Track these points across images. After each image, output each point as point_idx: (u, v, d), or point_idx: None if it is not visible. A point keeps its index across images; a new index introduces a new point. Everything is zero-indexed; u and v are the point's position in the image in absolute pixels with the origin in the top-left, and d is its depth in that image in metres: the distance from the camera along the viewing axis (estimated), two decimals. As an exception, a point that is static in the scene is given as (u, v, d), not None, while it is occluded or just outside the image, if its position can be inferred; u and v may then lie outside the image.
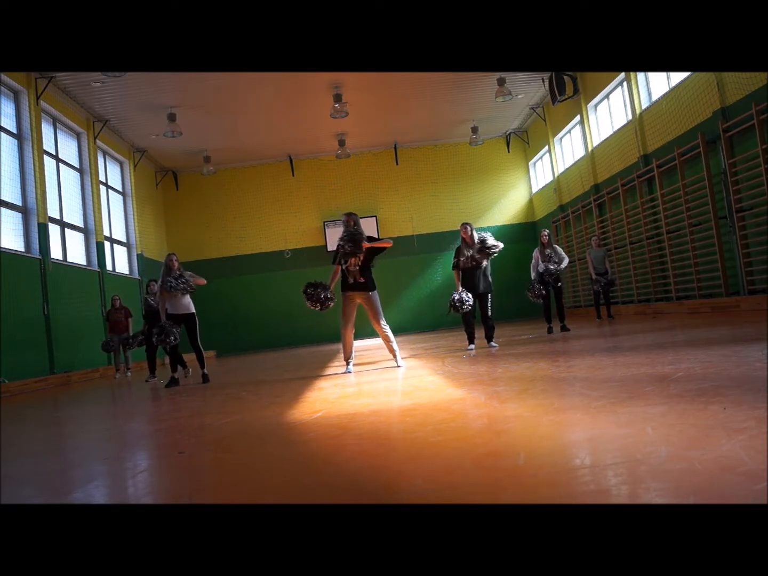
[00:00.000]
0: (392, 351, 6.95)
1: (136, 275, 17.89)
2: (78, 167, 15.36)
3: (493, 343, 8.30)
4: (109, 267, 15.90)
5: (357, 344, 16.09)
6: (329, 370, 7.62)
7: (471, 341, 8.37)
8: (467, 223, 8.50)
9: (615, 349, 6.27)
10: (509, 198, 21.93)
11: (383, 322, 6.84)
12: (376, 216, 21.08)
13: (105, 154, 17.11)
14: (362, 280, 6.74)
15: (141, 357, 15.32)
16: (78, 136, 15.60)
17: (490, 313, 8.38)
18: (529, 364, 5.59)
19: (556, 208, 19.32)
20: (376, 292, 6.86)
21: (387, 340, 6.90)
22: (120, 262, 17.30)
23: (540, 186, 21.29)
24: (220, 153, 19.85)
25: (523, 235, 21.32)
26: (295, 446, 3.07)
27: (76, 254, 14.66)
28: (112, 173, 17.60)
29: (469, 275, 8.31)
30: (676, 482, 1.73)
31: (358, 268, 6.73)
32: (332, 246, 20.82)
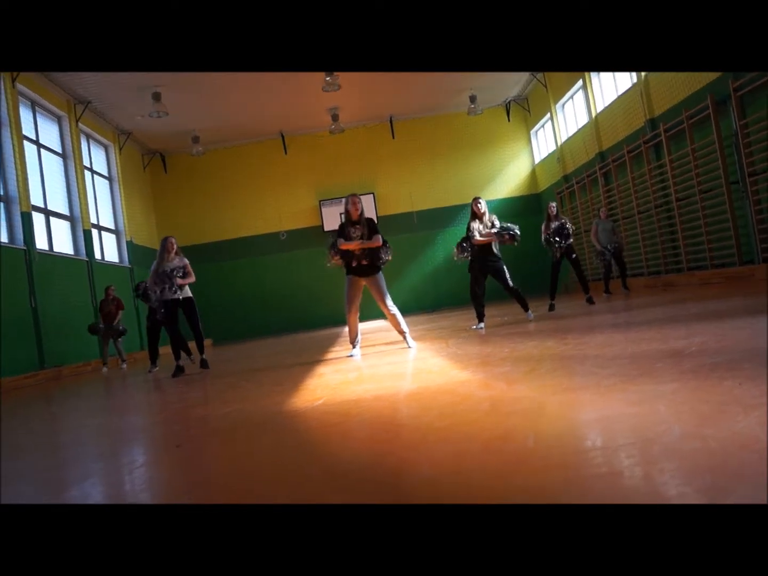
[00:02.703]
0: (401, 332, 6.96)
1: (127, 263, 17.89)
2: (60, 152, 15.31)
3: (530, 314, 8.40)
4: (97, 255, 15.91)
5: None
6: (330, 355, 7.64)
7: (480, 320, 8.41)
8: (479, 198, 8.65)
9: (625, 324, 6.28)
10: (511, 169, 21.87)
11: (390, 303, 6.85)
12: (373, 193, 21.04)
13: (88, 137, 17.04)
14: (365, 262, 6.75)
15: (134, 348, 15.35)
16: (59, 120, 15.52)
17: (511, 283, 8.37)
18: (536, 342, 5.60)
19: (560, 179, 19.27)
20: (381, 273, 6.87)
21: (395, 321, 6.91)
22: (109, 250, 17.30)
23: (543, 156, 21.23)
24: (209, 132, 19.76)
25: (526, 207, 21.28)
26: (296, 435, 3.09)
27: (63, 243, 14.66)
28: (96, 157, 17.55)
29: (476, 250, 8.36)
30: (690, 461, 1.74)
31: (363, 250, 6.75)
32: (329, 226, 20.82)
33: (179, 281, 7.70)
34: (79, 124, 15.92)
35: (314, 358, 7.67)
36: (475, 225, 8.35)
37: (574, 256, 10.13)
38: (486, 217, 8.41)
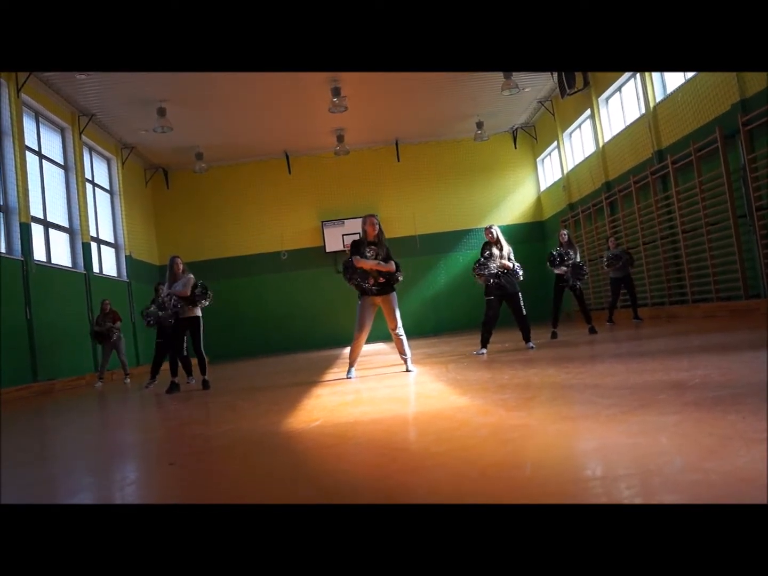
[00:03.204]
0: (403, 355, 7.01)
1: (125, 278, 17.90)
2: (62, 164, 15.38)
3: (531, 344, 8.40)
4: (95, 269, 15.92)
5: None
6: (329, 376, 7.63)
7: (484, 345, 8.43)
8: (491, 226, 8.75)
9: (627, 354, 6.27)
10: (516, 196, 21.95)
11: (399, 324, 6.93)
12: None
13: (91, 150, 17.14)
14: (382, 280, 6.82)
15: (129, 362, 15.30)
16: (62, 132, 15.61)
17: (525, 312, 8.49)
18: (536, 370, 5.60)
19: (565, 207, 19.34)
20: (395, 293, 6.94)
21: (400, 343, 6.96)
22: (107, 263, 17.32)
23: (548, 184, 21.32)
24: (212, 150, 19.86)
25: (530, 235, 21.33)
26: (292, 456, 3.08)
27: (61, 256, 14.67)
28: (98, 171, 17.64)
29: (498, 275, 8.44)
30: (691, 494, 1.73)
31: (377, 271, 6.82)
32: (331, 247, 20.85)
33: (178, 291, 7.82)
34: (83, 137, 16.01)
35: (312, 378, 7.65)
36: (494, 250, 8.41)
37: (578, 285, 10.20)
38: (503, 244, 8.53)
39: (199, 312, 8.05)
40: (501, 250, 8.47)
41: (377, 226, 6.97)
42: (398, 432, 3.42)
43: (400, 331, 6.91)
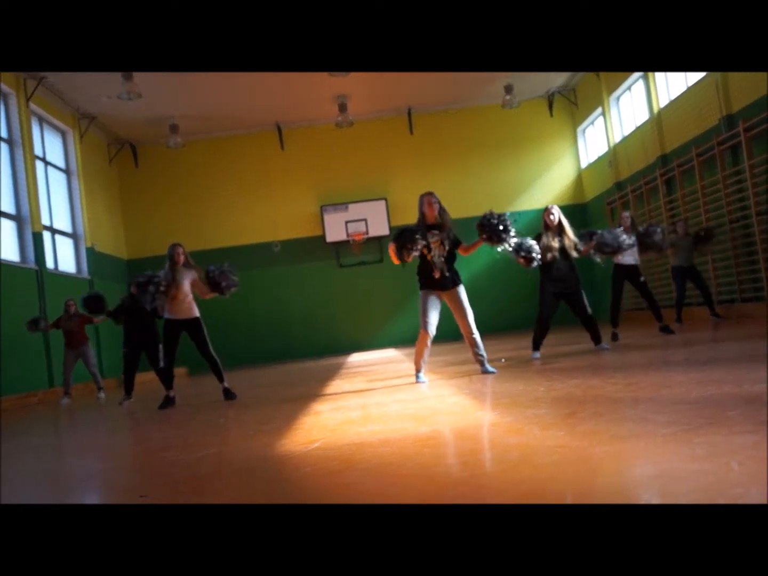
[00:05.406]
0: (478, 360, 7.05)
1: (86, 274, 17.94)
2: (6, 138, 15.34)
3: (604, 345, 8.44)
4: (50, 264, 15.96)
5: (357, 357, 16.03)
6: (329, 389, 7.62)
7: (537, 348, 8.45)
8: (552, 207, 8.76)
9: (687, 362, 6.24)
10: (553, 174, 21.91)
11: (472, 323, 6.95)
12: (385, 199, 21.09)
13: (41, 121, 17.16)
14: (448, 274, 6.89)
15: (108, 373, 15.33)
16: (4, 98, 15.50)
17: (590, 310, 8.46)
18: (578, 381, 5.58)
19: (612, 186, 19.27)
20: (461, 286, 6.99)
21: (474, 346, 7.00)
22: (64, 257, 17.37)
23: (591, 159, 21.28)
24: (189, 120, 19.90)
25: (570, 219, 21.11)
26: (286, 485, 3.08)
27: (7, 248, 14.62)
28: (51, 146, 17.69)
29: (550, 267, 8.39)
30: None
31: (443, 258, 6.86)
32: (332, 237, 20.80)
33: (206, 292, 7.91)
34: (30, 104, 15.91)
35: (310, 392, 7.66)
36: (549, 240, 8.37)
37: (642, 279, 9.98)
38: (568, 232, 8.52)
39: (197, 312, 8.07)
40: (562, 238, 8.38)
41: (437, 205, 6.98)
42: (413, 456, 3.41)
43: (476, 332, 6.95)
